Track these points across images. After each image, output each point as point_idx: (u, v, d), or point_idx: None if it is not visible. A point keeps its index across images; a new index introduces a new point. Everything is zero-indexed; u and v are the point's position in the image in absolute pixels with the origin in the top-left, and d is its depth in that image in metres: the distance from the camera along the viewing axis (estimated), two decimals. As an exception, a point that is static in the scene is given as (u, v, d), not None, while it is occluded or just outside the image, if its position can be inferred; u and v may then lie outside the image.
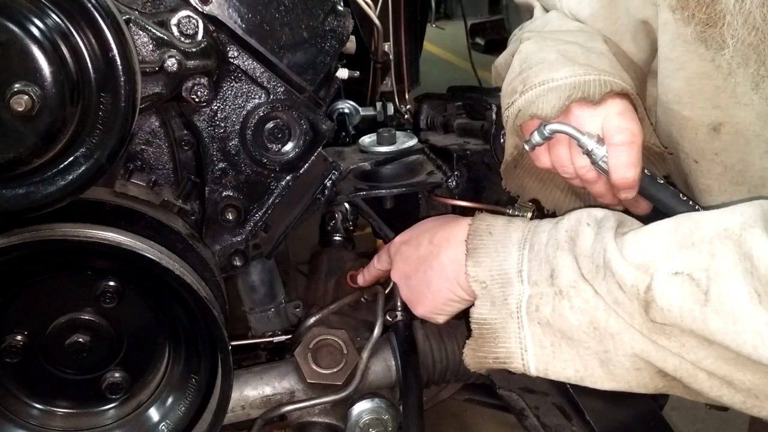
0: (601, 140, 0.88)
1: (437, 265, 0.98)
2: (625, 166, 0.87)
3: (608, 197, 0.95)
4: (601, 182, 0.93)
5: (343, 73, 1.22)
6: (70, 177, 0.77)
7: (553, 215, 1.06)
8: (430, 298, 1.00)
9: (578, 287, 0.82)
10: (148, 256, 0.85)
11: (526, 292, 0.87)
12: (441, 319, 1.03)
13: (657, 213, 0.92)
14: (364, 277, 1.18)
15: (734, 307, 0.69)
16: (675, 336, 0.76)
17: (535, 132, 0.90)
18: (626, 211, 1.00)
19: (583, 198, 1.07)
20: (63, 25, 0.72)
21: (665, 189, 0.90)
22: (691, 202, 0.89)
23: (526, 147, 0.93)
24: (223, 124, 1.02)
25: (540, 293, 0.86)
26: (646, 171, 0.90)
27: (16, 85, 0.71)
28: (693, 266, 0.73)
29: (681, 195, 0.90)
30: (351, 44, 1.16)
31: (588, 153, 0.88)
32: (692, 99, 0.91)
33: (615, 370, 0.82)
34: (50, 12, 0.72)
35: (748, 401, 0.76)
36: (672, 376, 0.79)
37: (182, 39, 0.90)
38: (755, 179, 0.88)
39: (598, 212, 0.87)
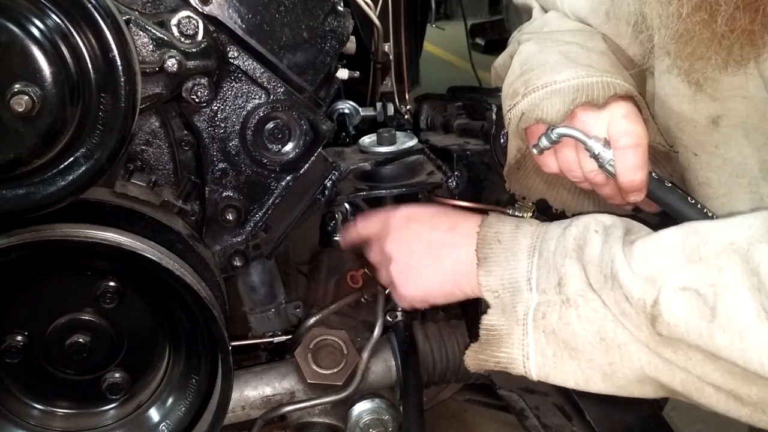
0: (607, 143, 0.87)
1: (453, 255, 0.95)
2: (631, 169, 0.87)
3: (618, 199, 0.95)
4: (609, 185, 0.92)
5: (343, 74, 1.22)
6: (71, 177, 0.77)
7: (562, 214, 1.06)
8: (431, 282, 0.97)
9: (586, 296, 0.81)
10: (149, 256, 0.86)
11: (534, 300, 0.86)
12: (420, 306, 1.03)
13: (666, 215, 0.91)
14: (343, 239, 1.15)
15: (741, 323, 0.69)
16: (681, 350, 0.75)
17: (543, 137, 0.90)
18: (637, 210, 0.99)
19: (592, 197, 1.06)
20: (63, 25, 0.72)
21: (673, 192, 0.90)
22: (699, 206, 0.88)
23: (534, 151, 0.92)
24: (223, 125, 1.02)
25: (548, 301, 0.85)
26: (653, 174, 0.90)
27: (17, 86, 0.71)
28: (700, 281, 0.72)
29: (689, 198, 0.89)
30: (351, 44, 1.16)
31: (595, 156, 0.88)
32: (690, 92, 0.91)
33: (618, 383, 0.82)
34: (50, 12, 0.72)
35: (755, 415, 0.75)
36: (678, 391, 0.78)
37: (182, 39, 0.90)
38: (755, 171, 0.87)
39: (606, 219, 0.86)
